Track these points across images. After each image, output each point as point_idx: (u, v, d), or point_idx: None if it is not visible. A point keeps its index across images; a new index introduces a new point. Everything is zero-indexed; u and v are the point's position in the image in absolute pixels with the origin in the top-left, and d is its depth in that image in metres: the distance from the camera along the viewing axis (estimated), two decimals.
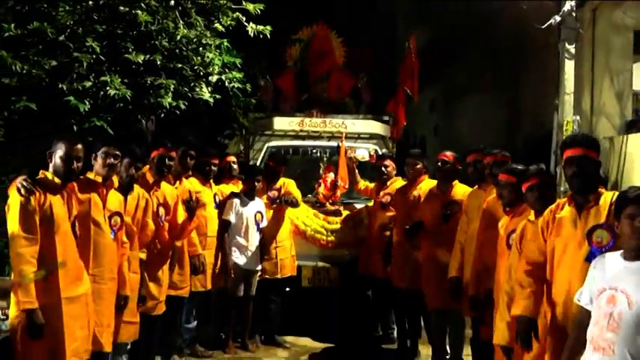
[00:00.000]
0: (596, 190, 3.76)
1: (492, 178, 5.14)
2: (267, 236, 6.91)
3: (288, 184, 7.17)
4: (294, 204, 6.99)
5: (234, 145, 8.77)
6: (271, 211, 7.00)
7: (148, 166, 5.48)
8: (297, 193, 7.12)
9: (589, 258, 3.53)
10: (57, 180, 3.95)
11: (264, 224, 6.80)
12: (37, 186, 3.83)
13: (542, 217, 3.96)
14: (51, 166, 3.98)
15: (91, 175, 4.41)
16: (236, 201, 6.66)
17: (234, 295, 6.62)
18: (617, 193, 3.70)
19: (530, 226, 4.17)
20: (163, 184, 5.48)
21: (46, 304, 3.82)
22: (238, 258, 6.63)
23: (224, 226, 6.62)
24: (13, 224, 3.75)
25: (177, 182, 5.72)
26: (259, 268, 6.75)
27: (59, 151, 3.95)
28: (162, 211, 5.34)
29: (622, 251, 3.11)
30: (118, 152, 4.47)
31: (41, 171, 3.96)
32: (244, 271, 6.64)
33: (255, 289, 6.77)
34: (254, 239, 6.71)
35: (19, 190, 3.76)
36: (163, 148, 5.47)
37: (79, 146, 4.02)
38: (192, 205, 5.65)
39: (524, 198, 4.40)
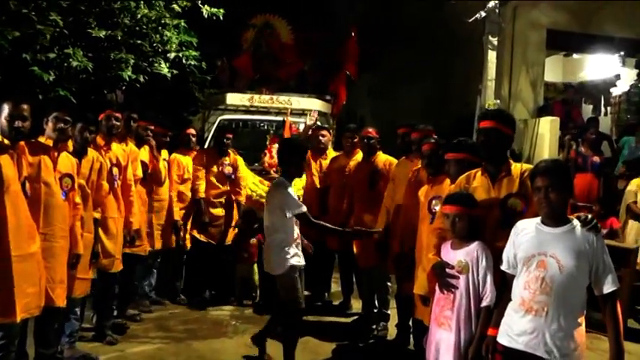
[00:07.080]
0: (506, 160, 3.52)
1: (418, 150, 4.85)
2: None
3: (239, 162, 6.70)
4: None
5: (197, 121, 8.43)
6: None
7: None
8: (244, 171, 6.76)
9: (504, 223, 3.30)
10: (5, 141, 3.53)
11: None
12: None
13: (455, 185, 3.72)
14: None
15: (42, 139, 4.00)
16: None
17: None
18: (524, 165, 3.52)
19: None
20: (114, 146, 5.11)
21: None
22: None
23: None
24: None
25: (124, 144, 5.32)
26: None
27: (4, 112, 3.54)
28: (115, 170, 5.00)
29: (539, 218, 2.93)
30: (68, 117, 4.07)
31: None
32: None
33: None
34: None
35: None
36: (109, 110, 5.09)
37: (24, 106, 3.59)
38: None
39: (446, 169, 4.13)
